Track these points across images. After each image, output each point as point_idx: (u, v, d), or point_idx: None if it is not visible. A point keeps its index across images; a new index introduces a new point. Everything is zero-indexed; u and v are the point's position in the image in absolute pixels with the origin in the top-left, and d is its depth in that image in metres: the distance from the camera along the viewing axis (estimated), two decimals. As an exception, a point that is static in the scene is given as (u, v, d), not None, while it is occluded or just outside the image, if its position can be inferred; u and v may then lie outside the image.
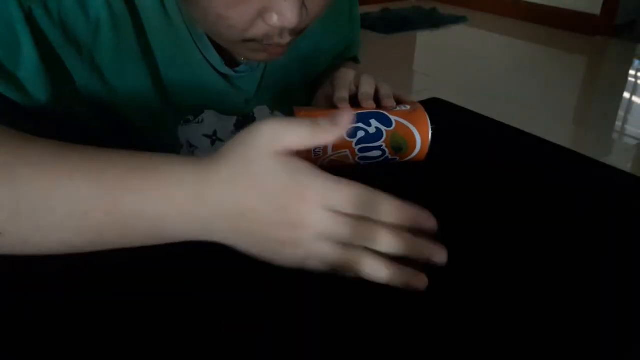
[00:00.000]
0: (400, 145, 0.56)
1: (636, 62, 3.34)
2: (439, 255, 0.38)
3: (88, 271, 0.42)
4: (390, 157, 0.57)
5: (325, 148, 0.54)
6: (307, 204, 0.36)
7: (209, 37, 0.58)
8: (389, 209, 0.37)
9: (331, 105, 0.58)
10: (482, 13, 4.22)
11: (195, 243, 0.45)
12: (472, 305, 0.40)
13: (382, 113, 0.56)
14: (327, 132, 0.38)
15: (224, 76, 0.62)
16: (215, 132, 0.65)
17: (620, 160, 2.06)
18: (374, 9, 4.13)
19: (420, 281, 0.38)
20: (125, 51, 0.53)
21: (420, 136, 0.56)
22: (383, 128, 0.55)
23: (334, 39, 0.75)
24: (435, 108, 0.60)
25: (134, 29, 0.53)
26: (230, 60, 0.62)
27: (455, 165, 0.61)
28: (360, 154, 0.56)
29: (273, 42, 0.51)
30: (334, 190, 0.37)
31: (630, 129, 2.42)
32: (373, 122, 0.55)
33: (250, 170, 0.37)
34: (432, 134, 0.56)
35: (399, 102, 0.59)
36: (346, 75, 0.61)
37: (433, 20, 3.95)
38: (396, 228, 0.37)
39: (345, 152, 0.55)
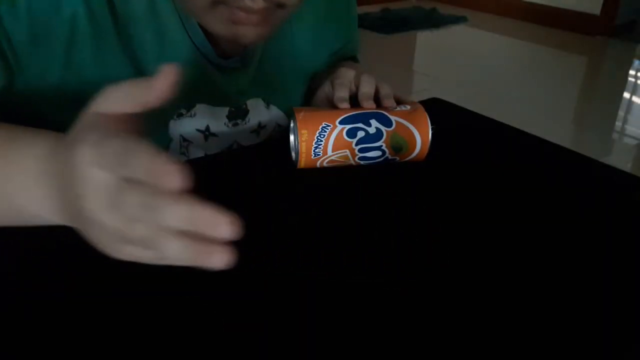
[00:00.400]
0: (400, 146, 0.56)
1: (636, 62, 3.34)
2: (223, 228, 0.29)
3: (88, 271, 0.42)
4: (390, 157, 0.57)
5: (325, 148, 0.55)
6: (80, 166, 0.31)
7: (203, 29, 0.58)
8: (140, 162, 0.29)
9: (331, 105, 0.58)
10: (482, 13, 4.21)
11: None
12: (472, 305, 0.40)
13: (382, 113, 0.56)
14: (148, 86, 0.34)
15: (216, 66, 0.62)
16: (207, 127, 0.64)
17: (620, 160, 2.06)
18: (374, 9, 4.13)
19: (215, 256, 0.30)
20: (105, 46, 0.53)
21: (420, 136, 0.56)
22: (383, 128, 0.55)
23: (331, 35, 0.74)
24: (435, 108, 0.60)
25: (114, 23, 0.53)
26: (224, 54, 0.62)
27: (455, 165, 0.61)
28: (360, 154, 0.56)
29: (244, 4, 0.49)
30: (96, 147, 0.31)
31: (630, 129, 2.42)
32: (373, 122, 0.55)
33: (69, 139, 0.34)
34: (432, 134, 0.57)
35: (399, 102, 0.59)
36: (346, 75, 0.61)
37: (433, 20, 3.95)
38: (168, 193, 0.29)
39: (345, 152, 0.55)
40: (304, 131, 0.54)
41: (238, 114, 0.66)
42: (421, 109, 0.58)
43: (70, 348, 0.35)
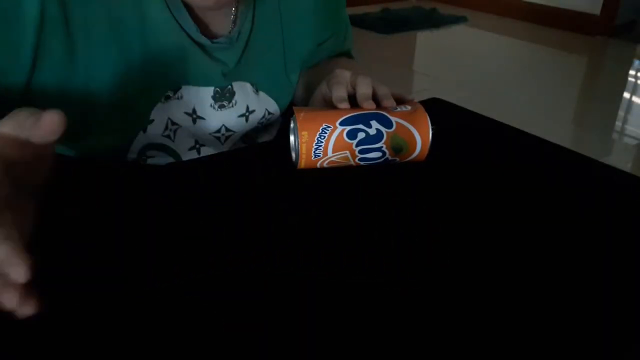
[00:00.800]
0: (400, 147, 0.56)
1: (636, 62, 3.34)
2: (12, 269, 0.31)
3: (88, 271, 0.42)
4: (390, 158, 0.57)
5: (325, 149, 0.55)
6: None
7: (185, 5, 0.58)
8: None
9: (329, 105, 0.58)
10: (482, 13, 4.22)
11: (194, 242, 0.46)
12: (472, 305, 0.40)
13: (382, 114, 0.56)
14: (36, 122, 0.36)
15: (200, 46, 0.62)
16: (194, 110, 0.64)
17: (620, 160, 2.06)
18: (374, 9, 4.13)
19: (3, 296, 0.31)
20: (80, 39, 0.53)
21: (421, 137, 0.56)
22: (383, 129, 0.55)
23: (320, 25, 0.75)
24: (435, 108, 0.60)
25: (90, 8, 0.53)
26: (211, 34, 0.62)
27: (455, 165, 0.61)
28: (361, 155, 0.56)
29: None
30: None
31: (630, 129, 2.42)
32: (373, 123, 0.55)
33: None
34: (432, 134, 0.57)
35: (398, 100, 0.59)
36: (342, 75, 0.61)
37: (433, 20, 3.95)
38: None
39: (346, 153, 0.55)
40: (304, 132, 0.54)
41: (224, 95, 0.66)
42: (421, 109, 0.58)
43: (70, 348, 0.36)
